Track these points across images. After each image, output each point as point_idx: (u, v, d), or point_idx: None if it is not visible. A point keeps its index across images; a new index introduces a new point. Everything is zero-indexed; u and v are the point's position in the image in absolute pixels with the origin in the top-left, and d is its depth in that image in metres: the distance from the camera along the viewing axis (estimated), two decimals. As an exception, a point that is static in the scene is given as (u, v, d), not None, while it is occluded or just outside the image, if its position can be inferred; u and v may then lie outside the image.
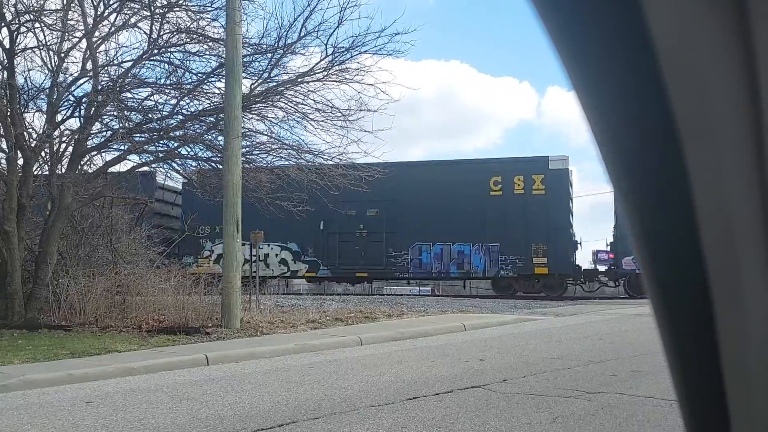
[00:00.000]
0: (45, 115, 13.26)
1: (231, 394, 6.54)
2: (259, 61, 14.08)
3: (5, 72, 12.68)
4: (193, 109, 14.10)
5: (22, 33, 12.91)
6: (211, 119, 13.96)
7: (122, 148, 13.71)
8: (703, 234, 0.59)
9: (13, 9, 12.55)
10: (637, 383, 6.81)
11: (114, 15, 13.42)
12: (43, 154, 13.33)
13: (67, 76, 13.60)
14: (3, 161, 12.97)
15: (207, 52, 13.88)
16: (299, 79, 13.83)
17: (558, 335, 11.56)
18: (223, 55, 12.63)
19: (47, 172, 13.46)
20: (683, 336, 0.68)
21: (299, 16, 13.96)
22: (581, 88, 0.63)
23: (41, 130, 13.10)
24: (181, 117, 14.03)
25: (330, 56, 13.68)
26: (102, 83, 13.43)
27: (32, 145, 12.87)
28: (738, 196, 0.56)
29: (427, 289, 31.58)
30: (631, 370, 7.64)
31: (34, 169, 13.16)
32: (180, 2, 13.35)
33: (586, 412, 5.58)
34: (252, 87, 13.90)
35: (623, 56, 0.60)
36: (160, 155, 14.08)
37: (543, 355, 8.89)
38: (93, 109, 13.23)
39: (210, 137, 14.13)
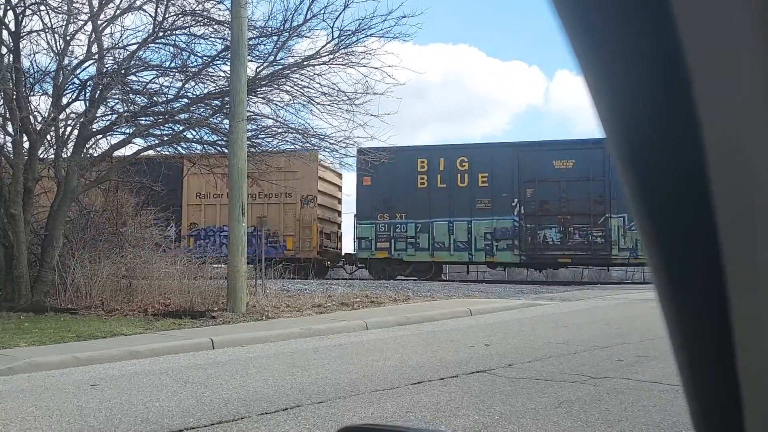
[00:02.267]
0: (50, 99, 13.22)
1: (236, 378, 6.54)
2: (264, 44, 14.01)
3: (11, 55, 12.64)
4: (198, 93, 14.06)
5: (28, 16, 12.87)
6: (217, 103, 13.91)
7: (127, 131, 13.68)
8: (718, 211, 0.55)
9: (18, -8, 12.49)
10: (643, 368, 6.78)
11: (119, -3, 13.34)
12: (48, 137, 13.31)
13: (72, 59, 13.57)
14: (9, 144, 12.95)
15: (212, 35, 13.82)
16: (305, 63, 13.74)
17: (564, 320, 11.53)
18: (229, 38, 12.55)
19: (53, 156, 13.46)
20: (691, 320, 0.64)
21: (305, -2, 13.82)
22: (590, 70, 0.58)
23: (47, 114, 13.07)
24: (186, 100, 13.99)
25: (336, 39, 13.59)
26: (107, 66, 13.38)
27: (38, 128, 12.85)
28: (760, 171, 0.51)
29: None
30: (637, 355, 7.61)
31: (40, 152, 13.16)
32: (185, -16, 13.25)
33: (591, 397, 5.56)
34: (257, 70, 13.82)
35: (640, 37, 0.55)
36: (166, 139, 14.05)
37: (549, 340, 8.86)
38: (98, 92, 13.19)
39: (215, 121, 14.09)
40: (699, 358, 0.66)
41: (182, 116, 13.93)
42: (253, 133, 13.93)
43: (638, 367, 6.89)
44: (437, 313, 11.91)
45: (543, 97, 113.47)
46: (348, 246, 27.52)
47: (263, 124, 14.47)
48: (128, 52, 13.49)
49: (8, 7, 12.41)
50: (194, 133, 14.27)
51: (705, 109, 0.52)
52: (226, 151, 13.02)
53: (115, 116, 13.63)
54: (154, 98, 13.87)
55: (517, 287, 19.55)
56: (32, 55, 14.71)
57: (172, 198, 24.72)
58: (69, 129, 13.46)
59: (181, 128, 14.07)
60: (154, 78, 14.03)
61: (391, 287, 17.80)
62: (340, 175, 27.49)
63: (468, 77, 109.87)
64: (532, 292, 17.50)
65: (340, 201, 27.74)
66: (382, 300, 14.02)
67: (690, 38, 0.51)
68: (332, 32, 13.58)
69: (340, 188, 27.64)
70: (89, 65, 13.69)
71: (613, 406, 5.23)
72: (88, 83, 13.55)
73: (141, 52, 13.61)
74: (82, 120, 13.14)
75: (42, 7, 12.76)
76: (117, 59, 13.58)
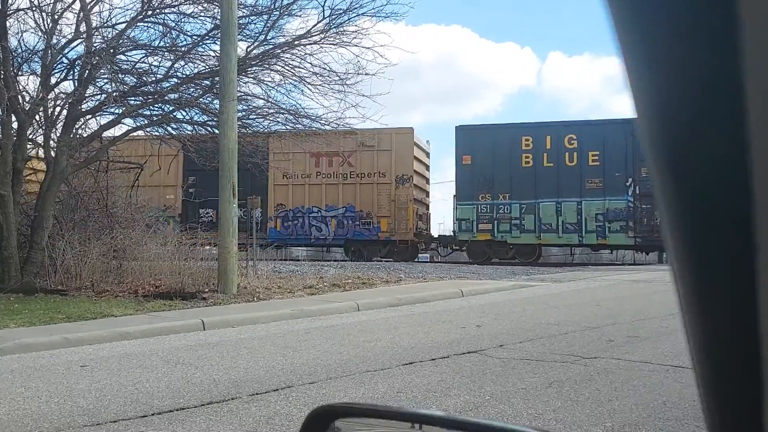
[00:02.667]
0: (39, 78, 13.06)
1: (226, 359, 6.53)
2: (255, 23, 13.88)
3: (-3, 34, 12.46)
4: (188, 72, 13.92)
5: (14, -7, 12.67)
6: (207, 82, 13.78)
7: (117, 111, 13.55)
8: (757, 205, 0.51)
9: (4, -31, 12.29)
10: (634, 348, 6.81)
11: (107, -25, 13.15)
12: (37, 117, 13.16)
13: (60, 38, 13.38)
14: (-3, 125, 12.80)
15: (202, 14, 13.64)
16: (296, 42, 13.61)
17: (555, 301, 11.57)
18: (218, 17, 12.40)
19: (42, 136, 13.32)
20: (715, 316, 0.60)
21: (296, -24, 13.66)
22: (630, 48, 0.54)
23: (35, 93, 12.91)
24: (175, 80, 13.85)
25: (327, 18, 13.47)
26: (95, 45, 13.21)
27: (26, 108, 12.70)
28: None
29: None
30: (627, 335, 7.64)
31: (29, 132, 13.01)
32: (174, -38, 13.07)
33: (581, 377, 5.57)
34: (248, 50, 13.69)
35: (691, 14, 0.51)
36: (155, 119, 13.92)
37: (540, 321, 8.88)
38: (87, 71, 13.03)
39: (205, 101, 13.97)
40: (720, 356, 0.62)
41: (172, 96, 13.79)
42: (243, 113, 13.82)
43: (628, 347, 6.91)
44: (429, 294, 11.92)
45: (536, 78, 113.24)
46: (435, 228, 27.16)
47: (254, 105, 14.37)
48: (117, 31, 13.33)
49: (-6, -15, 12.23)
50: (184, 113, 14.15)
51: (755, 97, 0.48)
52: (216, 131, 12.92)
53: (104, 96, 13.49)
54: (144, 78, 13.72)
55: (508, 269, 19.59)
56: (20, 34, 14.44)
57: (257, 178, 24.66)
58: (58, 109, 13.32)
59: (170, 108, 13.95)
60: (143, 57, 13.90)
61: (383, 269, 17.81)
62: (428, 154, 26.89)
63: (461, 58, 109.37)
64: (523, 274, 17.55)
65: (428, 181, 27.10)
66: (374, 281, 14.03)
67: (750, 21, 0.47)
68: (323, 11, 13.47)
69: (428, 167, 26.98)
70: (77, 44, 13.54)
71: (603, 386, 5.25)
72: (76, 63, 13.38)
73: (130, 31, 13.46)
74: (70, 100, 13.00)
75: (29, -15, 12.58)
76: (105, 38, 13.41)
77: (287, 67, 13.76)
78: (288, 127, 14.49)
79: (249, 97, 14.26)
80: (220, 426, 4.27)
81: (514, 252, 22.89)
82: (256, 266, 14.39)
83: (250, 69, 13.74)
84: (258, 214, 23.67)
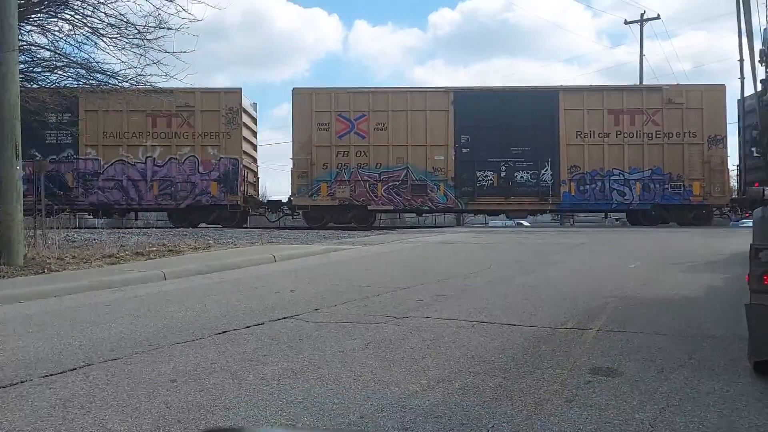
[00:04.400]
0: None
1: (13, 338, 5.83)
2: (38, -37, 12.38)
3: None
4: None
5: None
6: (-19, 29, 12.11)
7: None
8: None
9: None
10: (442, 307, 7.10)
11: None
12: None
13: None
14: None
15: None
16: (88, -12, 12.37)
17: (366, 264, 11.80)
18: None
19: None
20: None
21: None
22: None
23: None
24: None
25: (124, -35, 12.38)
26: None
27: None
28: None
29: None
30: (435, 294, 7.97)
31: None
32: None
33: (396, 336, 5.69)
34: (31, -7, 12.22)
35: None
36: None
37: (353, 284, 8.99)
38: None
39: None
40: None
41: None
42: (26, 65, 12.37)
43: (437, 306, 7.20)
44: (240, 260, 11.61)
45: (342, 45, 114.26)
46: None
47: (39, 56, 12.91)
48: None
49: None
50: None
51: None
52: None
53: None
54: None
55: (319, 233, 19.71)
56: None
57: (545, 137, 22.65)
58: None
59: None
60: None
61: (190, 235, 17.08)
62: None
63: (268, 21, 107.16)
64: (334, 238, 17.73)
65: None
66: (181, 248, 13.38)
67: None
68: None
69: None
70: None
71: (416, 344, 5.40)
72: None
73: None
74: None
75: None
76: None
77: (78, 16, 12.50)
78: (80, 82, 13.23)
79: (33, 48, 12.79)
80: (8, 413, 3.78)
81: None
82: (46, 235, 13.10)
83: (33, 15, 12.29)
84: (549, 176, 22.78)
